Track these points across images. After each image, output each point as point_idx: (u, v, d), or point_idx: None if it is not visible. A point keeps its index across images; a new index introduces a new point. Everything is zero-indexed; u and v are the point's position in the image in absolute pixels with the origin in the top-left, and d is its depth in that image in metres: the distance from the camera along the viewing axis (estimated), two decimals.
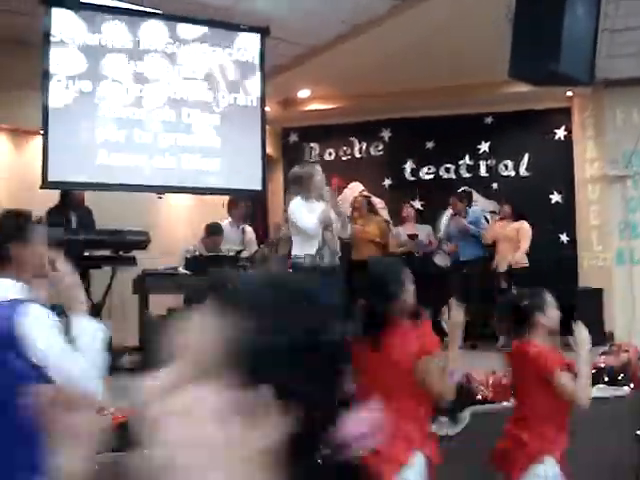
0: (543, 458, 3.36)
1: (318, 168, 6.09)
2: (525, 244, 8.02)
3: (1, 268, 2.37)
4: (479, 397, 4.60)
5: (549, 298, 3.64)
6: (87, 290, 6.88)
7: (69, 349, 2.38)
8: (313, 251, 5.60)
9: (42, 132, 6.84)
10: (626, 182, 9.22)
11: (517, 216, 8.25)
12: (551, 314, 3.62)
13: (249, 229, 8.07)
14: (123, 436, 3.52)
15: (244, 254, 7.62)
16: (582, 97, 9.37)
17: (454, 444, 4.34)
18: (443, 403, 3.30)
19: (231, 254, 7.60)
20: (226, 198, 8.18)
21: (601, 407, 5.16)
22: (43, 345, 2.27)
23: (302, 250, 5.72)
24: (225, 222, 7.98)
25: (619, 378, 5.44)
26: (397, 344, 3.11)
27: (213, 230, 7.58)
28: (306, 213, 5.73)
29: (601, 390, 5.33)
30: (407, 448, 3.05)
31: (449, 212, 8.79)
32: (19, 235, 2.43)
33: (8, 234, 2.41)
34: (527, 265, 7.96)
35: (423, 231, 8.74)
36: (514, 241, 8.05)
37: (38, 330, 2.28)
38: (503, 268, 8.08)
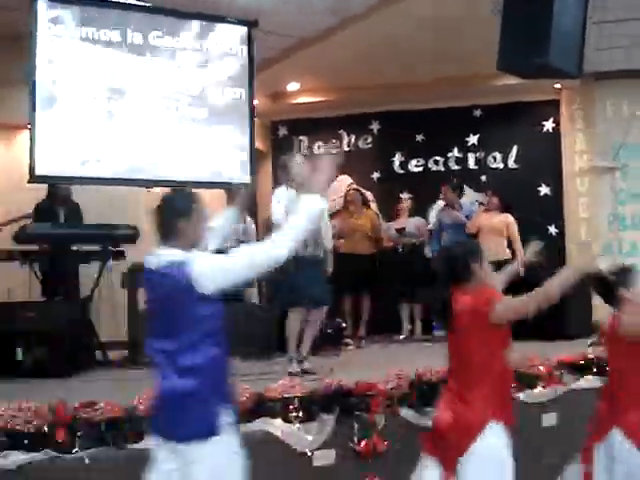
0: None
1: (297, 158, 6.09)
2: (517, 236, 8.05)
3: (166, 239, 2.87)
4: None
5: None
6: (77, 284, 6.92)
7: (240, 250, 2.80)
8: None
9: (29, 127, 6.81)
10: (615, 174, 9.26)
11: (504, 208, 8.24)
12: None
13: (249, 219, 8.05)
14: (115, 431, 3.53)
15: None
16: (571, 89, 9.40)
17: None
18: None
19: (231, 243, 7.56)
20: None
21: (590, 398, 5.19)
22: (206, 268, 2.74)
23: None
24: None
25: (608, 369, 5.46)
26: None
27: None
28: (276, 203, 5.77)
29: (590, 381, 5.35)
30: (483, 415, 3.18)
31: (440, 203, 8.76)
32: (184, 213, 2.86)
33: (175, 212, 2.88)
34: (510, 257, 7.99)
35: (411, 222, 8.72)
36: (499, 233, 8.04)
37: (202, 265, 2.74)
38: (494, 258, 8.03)
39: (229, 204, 7.90)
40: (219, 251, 3.08)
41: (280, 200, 5.76)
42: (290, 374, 5.40)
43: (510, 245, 8.07)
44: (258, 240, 7.69)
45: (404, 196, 9.62)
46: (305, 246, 5.63)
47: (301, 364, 5.70)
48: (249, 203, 7.20)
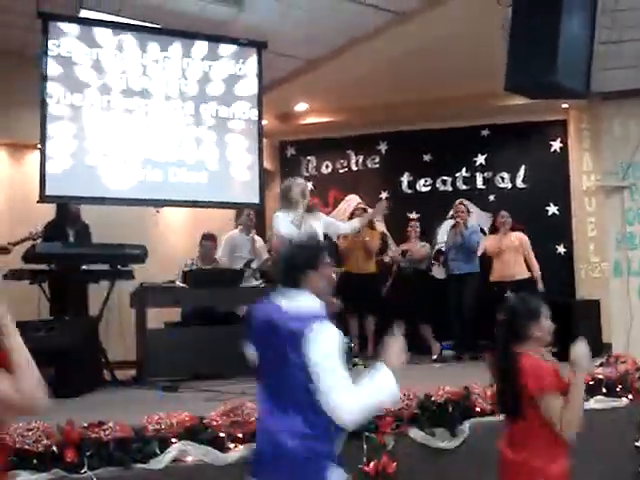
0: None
1: (299, 181, 6.13)
2: (532, 255, 8.07)
3: (296, 286, 2.83)
4: (478, 409, 4.58)
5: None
6: (85, 304, 6.93)
7: (340, 369, 2.68)
8: None
9: (39, 146, 6.86)
10: (623, 193, 9.22)
11: (513, 227, 8.24)
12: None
13: (258, 238, 8.06)
14: (124, 451, 3.52)
15: (254, 264, 7.63)
16: (578, 109, 9.41)
17: (453, 457, 4.33)
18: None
19: (236, 261, 7.60)
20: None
21: (600, 419, 5.16)
22: (317, 356, 2.62)
23: None
24: (236, 231, 8.00)
25: (617, 389, 5.43)
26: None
27: (203, 237, 7.61)
28: (285, 224, 5.79)
29: (599, 402, 5.32)
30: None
31: (449, 222, 8.73)
32: (314, 264, 2.88)
33: (307, 262, 2.87)
34: (530, 277, 7.99)
35: (417, 247, 8.73)
36: (516, 251, 8.05)
37: (320, 343, 2.63)
38: (512, 278, 8.01)
39: (238, 218, 8.00)
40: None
41: (283, 221, 5.77)
42: None
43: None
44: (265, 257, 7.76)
45: (412, 217, 9.62)
46: None
47: None
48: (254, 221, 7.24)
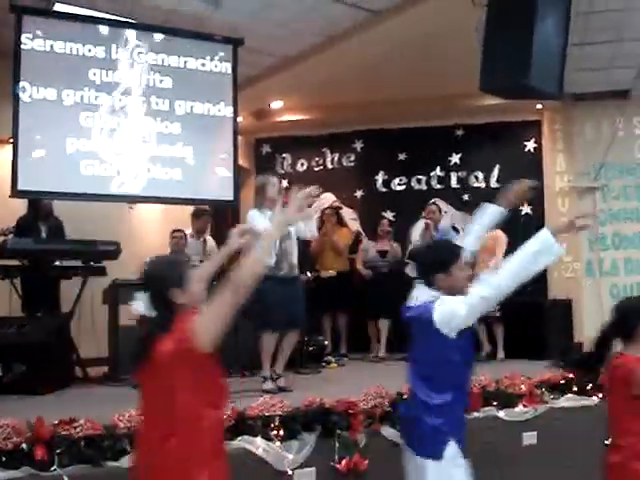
0: None
1: (272, 179, 6.08)
2: (500, 253, 8.04)
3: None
4: None
5: None
6: (57, 300, 6.88)
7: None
8: (272, 262, 5.58)
9: (11, 141, 6.79)
10: (595, 194, 9.34)
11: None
12: None
13: (210, 239, 8.01)
14: (95, 448, 3.50)
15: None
16: (552, 110, 9.49)
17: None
18: None
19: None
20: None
21: (570, 417, 5.22)
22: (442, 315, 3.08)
23: None
24: (188, 233, 7.96)
25: (587, 388, 5.50)
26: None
27: (172, 232, 7.61)
28: (260, 220, 5.74)
29: (570, 400, 5.38)
30: None
31: (421, 223, 8.77)
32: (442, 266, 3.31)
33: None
34: None
35: (397, 249, 8.77)
36: (492, 251, 8.06)
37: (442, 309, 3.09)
38: None
39: (194, 222, 7.94)
40: None
41: (258, 219, 5.75)
42: (265, 392, 5.39)
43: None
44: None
45: (387, 216, 9.64)
46: (279, 268, 5.66)
47: (276, 382, 5.69)
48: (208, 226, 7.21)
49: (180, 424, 2.50)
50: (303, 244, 7.81)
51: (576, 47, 7.40)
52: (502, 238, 8.09)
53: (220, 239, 8.06)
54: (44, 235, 7.04)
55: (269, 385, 5.62)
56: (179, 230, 7.65)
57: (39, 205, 7.15)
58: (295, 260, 5.88)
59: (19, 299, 6.71)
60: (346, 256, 8.91)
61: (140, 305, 2.86)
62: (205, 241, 7.90)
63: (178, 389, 2.51)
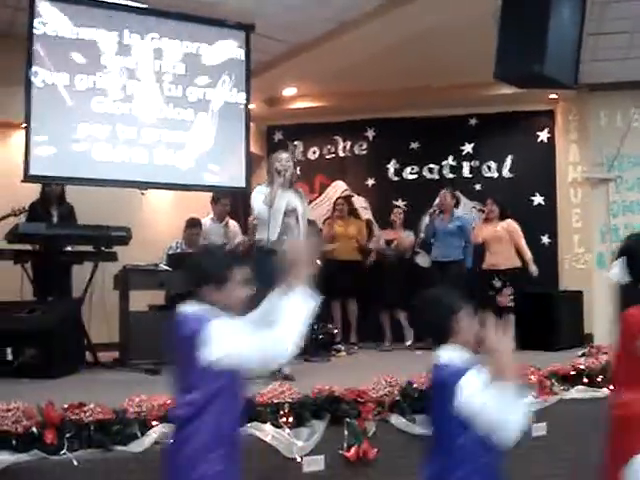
0: None
1: (280, 155, 6.01)
2: (522, 241, 8.05)
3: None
4: None
5: None
6: (69, 285, 6.90)
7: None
8: (274, 236, 5.61)
9: (24, 126, 6.80)
10: (608, 186, 9.28)
11: (502, 216, 8.22)
12: None
13: (232, 222, 8.06)
14: (104, 433, 3.51)
15: (227, 247, 7.63)
16: (566, 100, 9.43)
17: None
18: None
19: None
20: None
21: (580, 408, 5.20)
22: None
23: (262, 234, 5.77)
24: (207, 218, 7.99)
25: (598, 380, 5.47)
26: None
27: (188, 223, 7.61)
28: (259, 197, 5.77)
29: (580, 392, 5.36)
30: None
31: (433, 208, 8.74)
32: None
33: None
34: (521, 266, 7.99)
35: (403, 236, 8.77)
36: (506, 241, 8.03)
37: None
38: (498, 267, 8.00)
39: (213, 207, 8.01)
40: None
41: (259, 195, 5.78)
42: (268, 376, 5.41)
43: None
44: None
45: (398, 204, 9.63)
46: (282, 243, 5.64)
47: (280, 370, 5.69)
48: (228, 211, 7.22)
49: None
50: (314, 227, 7.83)
51: (592, 37, 7.35)
52: (518, 229, 8.08)
53: None
54: (55, 220, 7.04)
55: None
56: (194, 221, 7.63)
57: (51, 190, 7.15)
58: (299, 237, 5.82)
59: (30, 284, 6.73)
60: (360, 245, 8.92)
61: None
62: (227, 224, 7.92)
63: None
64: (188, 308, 2.64)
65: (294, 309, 2.49)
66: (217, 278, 2.63)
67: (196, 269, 2.71)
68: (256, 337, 2.48)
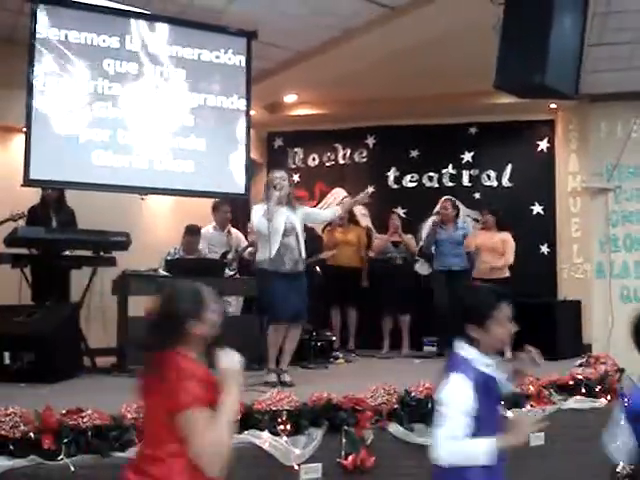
0: None
1: (276, 173, 6.03)
2: (510, 256, 7.99)
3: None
4: None
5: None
6: (67, 290, 6.89)
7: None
8: (272, 255, 5.66)
9: (24, 130, 6.80)
10: (608, 196, 9.29)
11: (500, 227, 8.21)
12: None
13: (235, 230, 8.10)
14: (102, 439, 3.50)
15: (230, 255, 7.66)
16: (566, 110, 9.44)
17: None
18: None
19: (210, 255, 7.65)
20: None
21: (578, 419, 5.20)
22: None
23: (263, 254, 5.80)
24: (209, 227, 8.01)
25: (596, 390, 5.47)
26: None
27: (187, 230, 7.61)
28: (257, 214, 5.81)
29: (579, 402, 5.36)
30: None
31: (434, 218, 8.73)
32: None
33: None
34: (508, 276, 7.93)
35: (407, 241, 8.78)
36: (498, 252, 8.00)
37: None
38: (487, 277, 7.98)
39: (214, 215, 8.06)
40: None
41: (258, 211, 5.83)
42: (266, 383, 5.44)
43: (510, 265, 8.03)
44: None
45: (397, 211, 9.64)
46: (282, 263, 5.69)
47: (280, 377, 5.71)
48: (229, 218, 7.26)
49: None
50: (313, 237, 7.85)
51: (593, 48, 7.36)
52: (511, 241, 8.07)
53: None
54: (54, 225, 7.03)
55: (271, 377, 5.65)
56: (193, 228, 7.64)
57: (51, 194, 7.15)
58: (300, 255, 5.86)
59: (29, 288, 6.73)
60: (360, 252, 8.93)
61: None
62: (230, 232, 7.94)
63: None
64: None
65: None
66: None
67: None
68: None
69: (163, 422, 2.41)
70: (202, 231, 7.85)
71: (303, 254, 5.90)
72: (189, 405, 2.38)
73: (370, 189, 10.05)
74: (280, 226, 5.73)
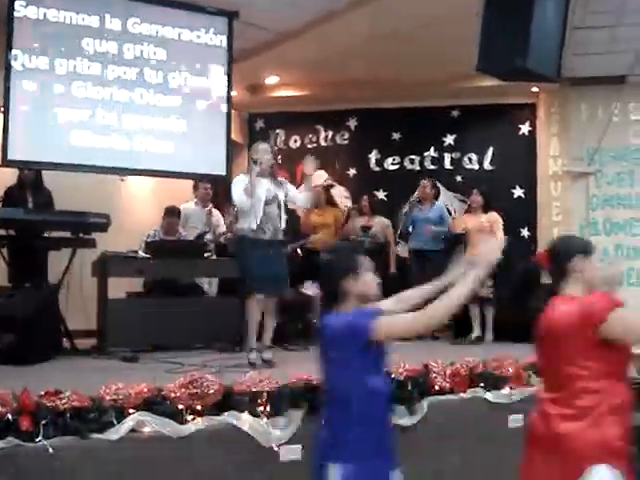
0: None
1: (262, 146, 5.97)
2: (500, 234, 8.00)
3: None
4: (437, 387, 4.62)
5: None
6: (45, 271, 6.83)
7: None
8: (254, 225, 5.62)
9: (2, 110, 6.72)
10: (588, 179, 9.34)
11: (486, 208, 8.22)
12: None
13: (216, 212, 8.05)
14: (80, 420, 3.48)
15: (208, 236, 7.62)
16: (548, 93, 9.46)
17: (411, 434, 4.36)
18: None
19: (188, 231, 7.62)
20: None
21: None
22: None
23: (243, 224, 5.76)
24: (191, 203, 7.98)
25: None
26: None
27: (167, 212, 7.57)
28: (239, 186, 5.74)
29: None
30: None
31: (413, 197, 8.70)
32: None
33: None
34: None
35: (379, 224, 8.72)
36: (487, 233, 8.00)
37: None
38: None
39: (195, 192, 8.02)
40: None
41: (238, 184, 5.75)
42: (250, 364, 5.42)
43: None
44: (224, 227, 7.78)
45: (379, 195, 9.63)
46: (263, 231, 5.65)
47: (261, 354, 5.69)
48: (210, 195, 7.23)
49: None
50: (292, 218, 7.84)
51: (575, 31, 7.36)
52: (499, 220, 8.07)
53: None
54: (31, 206, 6.93)
55: (253, 357, 5.62)
56: (173, 209, 7.59)
57: (27, 175, 7.05)
58: (280, 224, 5.82)
59: (6, 268, 6.66)
60: (337, 234, 8.89)
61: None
62: (211, 212, 7.90)
63: None
64: None
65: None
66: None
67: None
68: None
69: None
70: (183, 206, 7.82)
71: (284, 224, 5.87)
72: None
73: (352, 172, 10.12)
74: (261, 196, 5.71)
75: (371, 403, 2.71)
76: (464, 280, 2.69)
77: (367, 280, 2.84)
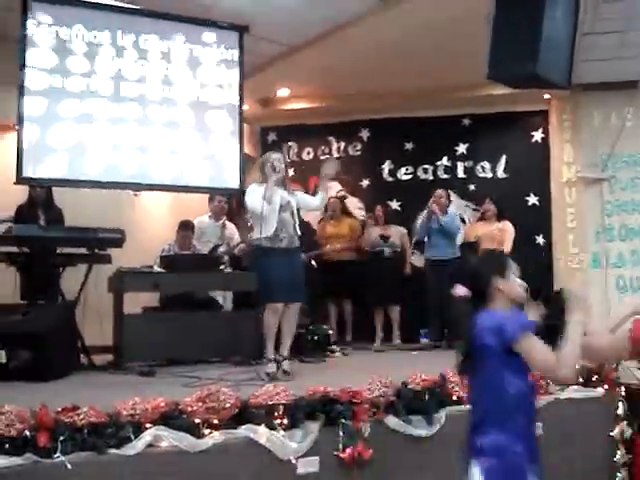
0: None
1: (273, 155, 6.00)
2: (509, 244, 8.00)
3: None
4: (454, 397, 4.60)
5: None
6: (58, 287, 6.86)
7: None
8: (270, 233, 5.62)
9: (17, 128, 6.77)
10: (602, 185, 9.29)
11: (499, 216, 8.23)
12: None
13: (230, 224, 8.08)
14: (98, 436, 3.49)
15: (221, 249, 7.64)
16: (560, 100, 9.43)
17: (429, 444, 4.34)
18: None
19: (202, 245, 7.64)
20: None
21: (575, 408, 5.19)
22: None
23: (259, 233, 5.75)
24: (205, 216, 8.01)
25: (593, 379, 5.47)
26: None
27: (181, 226, 7.61)
28: (253, 195, 5.76)
29: (575, 391, 5.35)
30: None
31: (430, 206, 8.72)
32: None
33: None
34: None
35: (396, 233, 8.75)
36: (496, 241, 8.02)
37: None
38: None
39: (210, 204, 8.06)
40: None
41: (253, 192, 5.77)
42: (268, 375, 5.41)
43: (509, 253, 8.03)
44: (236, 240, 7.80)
45: (393, 205, 9.64)
46: (279, 239, 5.66)
47: (280, 364, 5.68)
48: (225, 208, 7.21)
49: None
50: (308, 229, 7.85)
51: (585, 37, 7.35)
52: (510, 230, 8.08)
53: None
54: (42, 223, 6.96)
55: (271, 368, 5.61)
56: (187, 223, 7.62)
57: (38, 194, 7.07)
58: (295, 231, 5.84)
59: (19, 285, 6.68)
60: (354, 244, 8.93)
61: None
62: (224, 225, 7.93)
63: None
64: None
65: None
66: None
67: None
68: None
69: None
70: (197, 220, 7.85)
71: (298, 231, 5.87)
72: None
73: (365, 183, 10.13)
74: (276, 204, 5.72)
75: (517, 402, 2.79)
76: (573, 322, 2.94)
77: (516, 283, 2.98)
